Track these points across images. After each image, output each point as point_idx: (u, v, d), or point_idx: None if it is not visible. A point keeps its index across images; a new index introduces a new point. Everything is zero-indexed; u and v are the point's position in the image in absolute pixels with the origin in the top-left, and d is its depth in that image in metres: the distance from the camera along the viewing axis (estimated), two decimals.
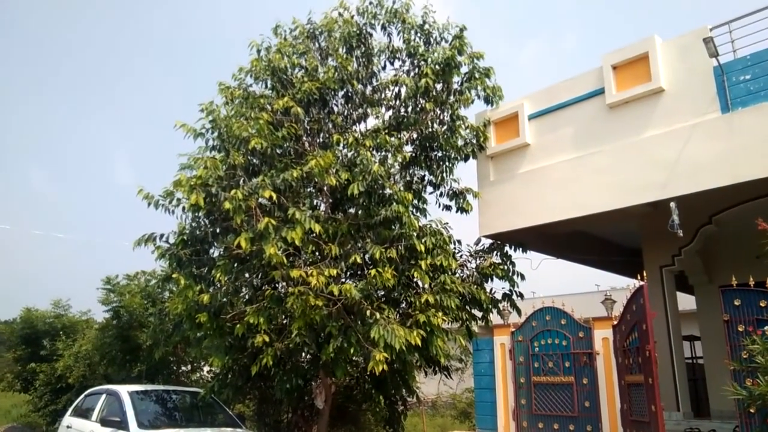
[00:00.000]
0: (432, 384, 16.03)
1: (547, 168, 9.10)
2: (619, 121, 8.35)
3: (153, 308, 11.96)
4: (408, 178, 9.95)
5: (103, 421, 8.46)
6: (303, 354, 9.05)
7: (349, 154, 9.12)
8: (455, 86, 9.79)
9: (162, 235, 8.66)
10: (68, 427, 9.35)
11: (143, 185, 8.22)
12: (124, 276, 13.34)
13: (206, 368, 14.33)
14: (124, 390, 8.99)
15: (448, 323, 8.91)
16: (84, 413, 9.30)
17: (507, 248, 10.27)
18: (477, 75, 9.69)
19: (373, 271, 7.81)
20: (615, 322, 7.70)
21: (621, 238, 12.28)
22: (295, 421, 11.09)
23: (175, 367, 13.86)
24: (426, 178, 10.11)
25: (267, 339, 7.94)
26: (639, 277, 7.25)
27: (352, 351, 7.92)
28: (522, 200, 9.27)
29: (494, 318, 10.08)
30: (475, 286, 9.48)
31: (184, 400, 9.70)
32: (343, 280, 8.66)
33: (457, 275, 9.65)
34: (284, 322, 8.77)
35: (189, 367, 14.23)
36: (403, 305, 9.12)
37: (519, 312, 10.05)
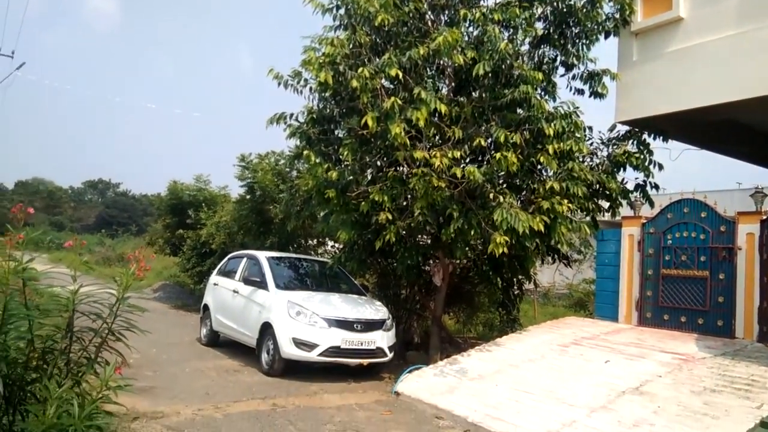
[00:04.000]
0: (547, 273, 16.02)
1: (702, 46, 8.09)
2: None
3: (283, 185, 12.72)
4: (538, 59, 9.31)
5: (246, 281, 9.52)
6: (424, 233, 9.30)
7: (476, 32, 8.67)
8: None
9: (292, 114, 8.99)
10: (215, 284, 10.61)
11: (264, 72, 8.43)
12: (257, 155, 14.23)
13: (330, 244, 15.30)
14: (262, 255, 9.93)
15: (573, 212, 8.65)
16: (228, 274, 10.46)
17: (645, 136, 9.55)
18: None
19: (497, 155, 7.65)
20: (764, 217, 7.06)
21: None
22: (413, 296, 11.72)
23: (303, 241, 14.94)
24: (558, 58, 9.40)
25: (390, 217, 8.22)
26: None
27: (472, 233, 8.02)
28: (669, 82, 8.41)
29: (621, 210, 9.66)
30: (605, 175, 9.01)
31: (313, 267, 10.53)
32: (465, 163, 8.60)
33: (586, 163, 9.22)
34: (406, 202, 9.00)
35: (315, 241, 15.26)
36: (525, 193, 8.95)
37: (652, 204, 9.52)
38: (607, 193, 9.27)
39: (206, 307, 10.63)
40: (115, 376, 3.33)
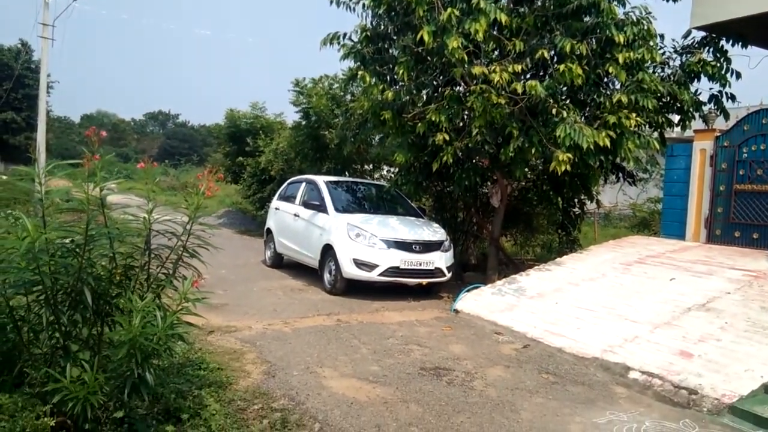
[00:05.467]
0: (609, 194, 15.57)
1: None
2: None
3: (338, 110, 12.66)
4: None
5: (305, 204, 9.73)
6: (482, 154, 9.12)
7: None
8: None
9: (345, 34, 8.78)
10: (276, 209, 10.89)
11: None
12: (310, 80, 14.13)
13: (386, 168, 15.32)
14: (320, 180, 10.06)
15: (641, 127, 8.24)
16: (288, 198, 10.70)
17: (722, 42, 8.82)
18: None
19: (561, 67, 7.29)
20: None
21: None
22: (469, 218, 11.70)
23: (358, 166, 15.01)
24: None
25: (447, 138, 8.08)
26: None
27: (533, 151, 7.81)
28: None
29: (693, 124, 9.12)
30: (678, 86, 8.46)
31: (370, 191, 10.61)
32: (526, 78, 8.24)
33: (657, 74, 8.67)
34: (464, 122, 8.80)
35: (371, 166, 15.30)
36: (590, 108, 8.55)
37: (727, 116, 8.94)
38: (679, 105, 8.75)
39: (269, 231, 10.99)
40: (192, 289, 3.52)
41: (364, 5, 8.54)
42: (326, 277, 8.78)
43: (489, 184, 10.50)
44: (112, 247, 3.56)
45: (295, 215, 9.95)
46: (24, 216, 3.30)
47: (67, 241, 3.51)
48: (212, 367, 4.80)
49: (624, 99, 7.58)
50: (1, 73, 36.71)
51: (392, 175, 12.41)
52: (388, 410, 4.30)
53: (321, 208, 9.28)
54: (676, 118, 9.09)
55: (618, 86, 8.18)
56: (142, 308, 3.32)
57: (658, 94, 8.08)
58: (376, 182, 12.36)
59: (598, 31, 7.58)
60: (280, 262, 10.73)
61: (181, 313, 3.50)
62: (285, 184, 11.41)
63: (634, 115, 7.55)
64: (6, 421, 3.38)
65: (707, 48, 8.89)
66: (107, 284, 3.63)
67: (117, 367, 3.37)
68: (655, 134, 8.88)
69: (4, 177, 20.03)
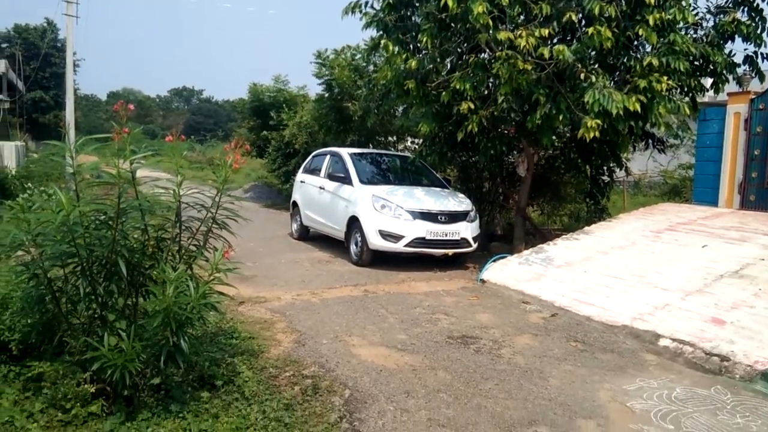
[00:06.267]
0: (639, 161, 15.25)
1: None
2: None
3: (361, 81, 12.56)
4: None
5: (330, 177, 9.76)
6: (507, 122, 8.99)
7: None
8: None
9: (367, 2, 8.66)
10: (302, 182, 10.95)
11: None
12: (332, 50, 14.01)
13: (409, 140, 15.23)
14: (345, 152, 10.06)
15: (672, 91, 8.00)
16: (313, 171, 10.73)
17: (758, 1, 8.45)
18: None
19: (590, 30, 7.07)
20: None
21: None
22: (495, 188, 11.60)
23: (382, 138, 14.95)
24: None
25: (472, 106, 7.96)
26: None
27: (560, 118, 7.65)
28: None
29: (726, 87, 8.81)
30: (711, 48, 8.16)
31: (395, 162, 10.57)
32: (553, 42, 8.04)
33: (689, 35, 8.36)
34: (489, 90, 8.65)
35: (394, 137, 15.22)
36: (619, 72, 8.32)
37: (762, 78, 8.63)
38: (712, 68, 8.44)
39: (295, 204, 11.07)
40: (223, 260, 3.58)
41: None
42: (352, 248, 8.83)
43: (515, 153, 10.37)
44: (144, 220, 3.63)
45: (321, 188, 9.99)
46: (58, 190, 3.37)
47: (101, 214, 3.60)
48: (244, 336, 4.91)
49: (655, 62, 7.35)
50: (29, 53, 37.21)
51: (416, 147, 12.33)
52: (416, 377, 4.35)
53: (346, 180, 9.30)
54: (708, 81, 8.80)
55: (648, 49, 7.93)
56: (176, 278, 3.39)
57: (691, 57, 7.82)
58: (400, 153, 12.30)
59: None
60: (306, 235, 10.82)
61: (212, 283, 3.58)
62: (310, 157, 11.43)
63: (665, 78, 7.32)
64: (48, 388, 3.52)
65: (742, 7, 8.52)
66: (140, 256, 3.72)
67: (152, 335, 3.46)
68: (686, 99, 8.63)
69: (36, 155, 20.47)
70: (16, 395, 3.55)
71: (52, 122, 38.33)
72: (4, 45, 41.78)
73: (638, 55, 7.90)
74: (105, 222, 3.54)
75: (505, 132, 9.36)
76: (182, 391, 3.68)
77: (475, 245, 8.83)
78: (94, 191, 4.07)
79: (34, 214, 3.40)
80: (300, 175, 11.21)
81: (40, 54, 34.93)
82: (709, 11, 8.77)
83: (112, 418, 3.33)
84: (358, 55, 13.50)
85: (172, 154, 3.73)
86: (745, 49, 8.70)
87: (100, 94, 74.24)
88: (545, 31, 7.21)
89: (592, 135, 7.15)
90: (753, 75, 8.68)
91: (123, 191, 3.48)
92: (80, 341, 3.56)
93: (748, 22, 8.30)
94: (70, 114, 20.73)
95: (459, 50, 8.57)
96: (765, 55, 8.60)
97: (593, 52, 7.91)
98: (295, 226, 11.10)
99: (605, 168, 10.56)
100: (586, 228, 8.79)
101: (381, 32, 8.63)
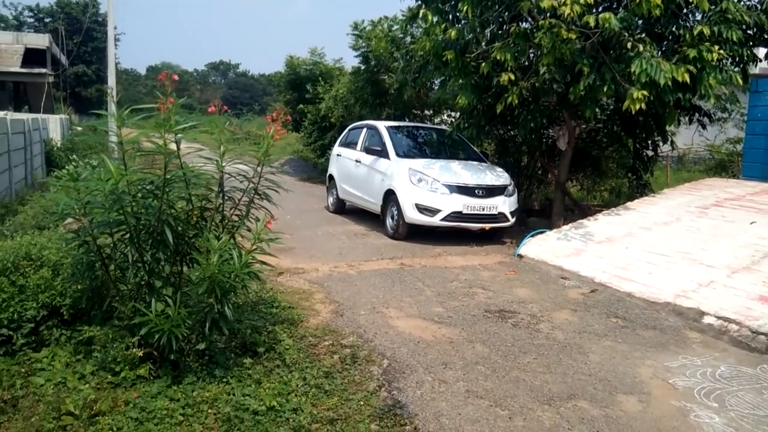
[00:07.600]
0: (684, 135, 14.72)
1: None
2: None
3: (398, 53, 12.41)
4: None
5: (367, 150, 9.73)
6: (549, 94, 8.76)
7: None
8: None
9: None
10: (338, 155, 10.96)
11: None
12: (369, 22, 13.86)
13: (446, 113, 15.03)
14: (381, 125, 10.00)
15: (723, 61, 7.65)
16: (349, 144, 10.72)
17: None
18: None
19: None
20: None
21: None
22: (534, 162, 11.39)
23: (418, 112, 14.80)
24: None
25: (512, 77, 7.77)
26: None
27: (604, 89, 7.42)
28: None
29: None
30: (765, 16, 7.75)
31: (431, 136, 10.47)
32: (599, 10, 7.76)
33: (743, 2, 7.96)
34: (530, 61, 8.44)
35: (431, 111, 15.05)
36: (668, 42, 8.00)
37: None
38: (766, 37, 8.05)
39: (331, 177, 11.10)
40: (264, 230, 3.63)
41: None
42: (388, 222, 8.84)
43: (555, 126, 10.13)
44: (188, 190, 3.70)
45: (357, 161, 9.98)
46: (107, 159, 3.45)
47: (147, 184, 3.68)
48: (284, 306, 5.00)
49: (706, 30, 7.03)
50: (71, 27, 37.93)
51: (453, 120, 12.16)
52: (454, 349, 4.37)
53: (382, 153, 9.26)
54: (762, 51, 8.38)
55: (699, 17, 7.59)
56: (220, 247, 3.46)
57: (744, 25, 7.45)
58: (437, 127, 12.16)
59: None
60: (342, 208, 10.87)
61: (255, 252, 3.63)
62: (346, 130, 11.41)
63: (716, 47, 7.00)
64: (98, 352, 3.67)
65: None
66: (185, 225, 3.80)
67: (197, 302, 3.56)
68: (737, 69, 8.26)
69: (79, 128, 20.99)
70: (68, 358, 3.71)
71: (95, 96, 39.23)
72: (47, 20, 42.76)
73: (688, 24, 7.58)
74: (151, 191, 3.62)
75: (546, 104, 9.15)
76: (226, 357, 3.78)
77: (512, 220, 8.73)
78: (137, 162, 4.16)
79: (83, 182, 3.49)
80: (336, 149, 11.22)
81: (82, 28, 35.52)
82: None
83: (159, 381, 3.45)
84: (396, 26, 13.31)
85: (215, 126, 3.77)
86: None
87: (139, 68, 75.57)
88: None
89: (638, 107, 6.93)
90: None
91: (168, 161, 3.54)
92: (128, 307, 3.69)
93: None
94: (112, 87, 21.15)
95: (500, 19, 8.37)
96: None
97: (640, 21, 7.61)
98: (331, 200, 11.16)
99: (649, 142, 10.24)
100: (628, 203, 8.58)
101: (420, 2, 8.47)
